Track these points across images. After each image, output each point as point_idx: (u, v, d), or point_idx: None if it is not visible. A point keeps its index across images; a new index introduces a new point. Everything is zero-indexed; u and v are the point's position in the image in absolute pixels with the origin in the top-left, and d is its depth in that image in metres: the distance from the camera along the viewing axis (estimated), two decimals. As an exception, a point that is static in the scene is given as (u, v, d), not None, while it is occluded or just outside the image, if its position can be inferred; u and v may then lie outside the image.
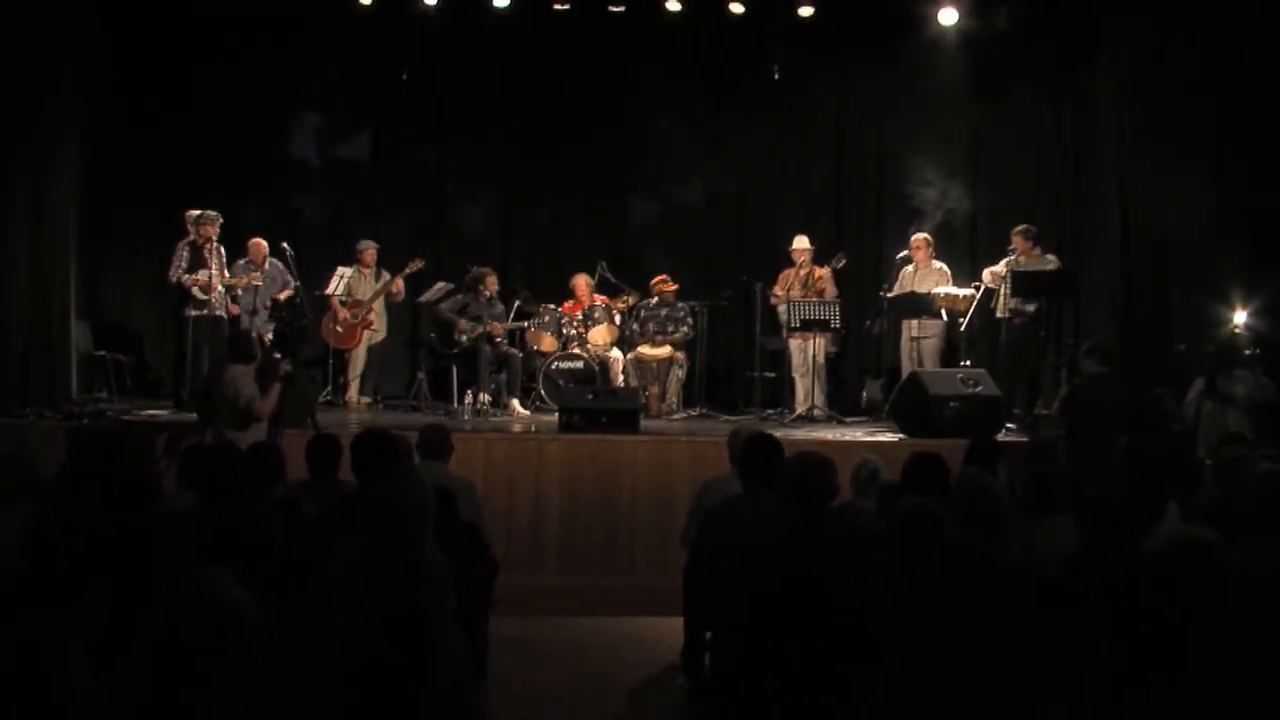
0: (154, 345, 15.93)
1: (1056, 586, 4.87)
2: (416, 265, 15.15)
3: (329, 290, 14.89)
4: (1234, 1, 13.76)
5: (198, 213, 13.94)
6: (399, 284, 15.13)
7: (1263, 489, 5.72)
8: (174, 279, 13.87)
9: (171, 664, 3.34)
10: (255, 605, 3.49)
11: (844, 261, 14.69)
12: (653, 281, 15.15)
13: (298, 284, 14.32)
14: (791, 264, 14.72)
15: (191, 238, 13.87)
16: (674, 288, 15.08)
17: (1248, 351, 12.24)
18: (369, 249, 15.22)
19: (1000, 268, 14.02)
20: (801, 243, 14.76)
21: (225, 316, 13.95)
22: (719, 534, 6.84)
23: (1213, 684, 3.09)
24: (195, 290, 13.75)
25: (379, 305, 15.18)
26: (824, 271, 14.55)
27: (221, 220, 14.03)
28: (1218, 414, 11.77)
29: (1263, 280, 13.19)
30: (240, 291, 14.13)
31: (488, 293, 14.60)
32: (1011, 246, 14.07)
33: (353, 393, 14.94)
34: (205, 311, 13.82)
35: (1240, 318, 12.90)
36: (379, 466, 6.66)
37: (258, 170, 16.17)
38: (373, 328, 15.16)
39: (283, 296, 14.44)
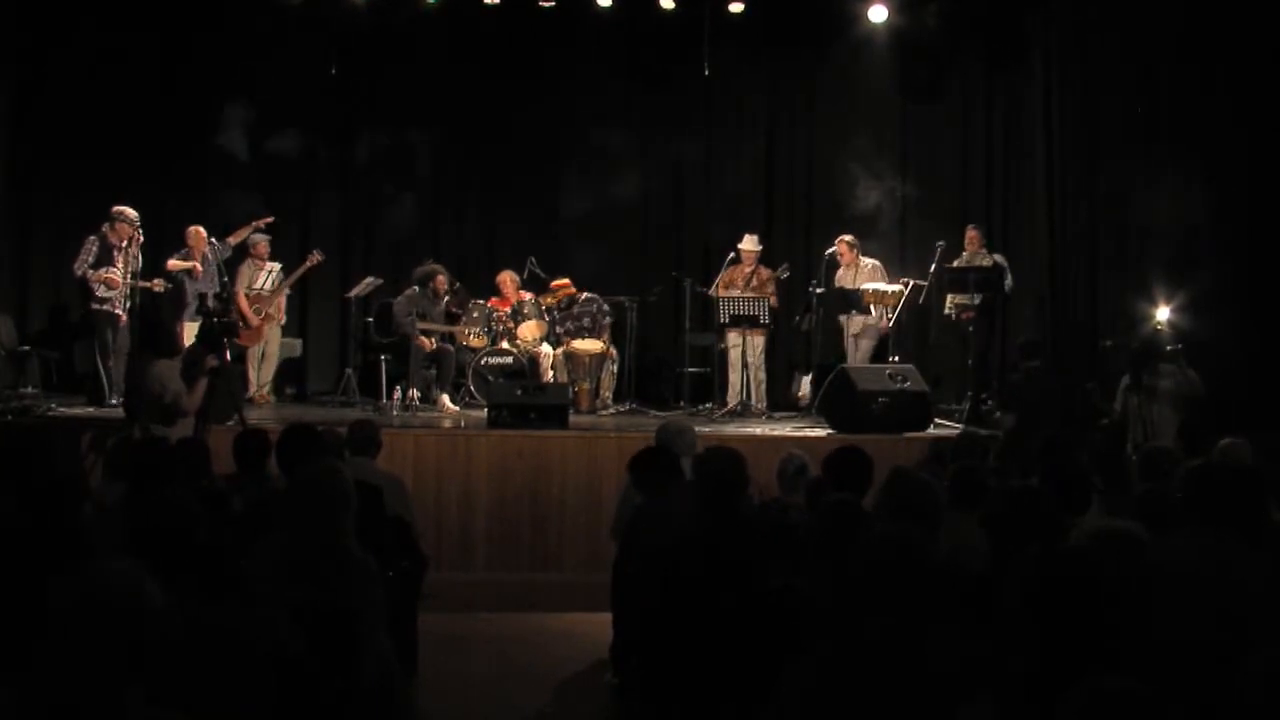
0: (82, 340, 15.76)
1: (980, 582, 4.89)
2: (315, 259, 15.05)
3: (256, 285, 14.72)
4: (1160, 2, 13.91)
5: (117, 210, 13.78)
6: (281, 302, 15.08)
7: (1189, 484, 5.73)
8: (79, 272, 13.66)
9: (78, 662, 3.30)
10: (163, 597, 3.43)
11: (788, 273, 14.71)
12: (553, 285, 15.10)
13: (225, 279, 14.15)
14: (736, 262, 14.63)
15: (104, 233, 13.70)
16: (572, 291, 15.03)
17: (1169, 347, 12.37)
18: (261, 242, 15.02)
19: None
20: (750, 243, 14.66)
21: (121, 315, 13.72)
22: (647, 529, 6.84)
23: (1140, 681, 3.10)
24: (100, 288, 13.59)
25: (281, 300, 15.10)
26: (769, 274, 14.52)
27: (139, 224, 13.84)
28: (1144, 408, 11.89)
29: (1188, 277, 13.34)
30: (159, 288, 14.05)
31: (441, 292, 14.61)
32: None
33: (257, 385, 14.76)
34: (105, 307, 13.66)
35: (1163, 314, 13.03)
36: (303, 461, 6.60)
37: (186, 164, 15.96)
38: (281, 321, 15.08)
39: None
